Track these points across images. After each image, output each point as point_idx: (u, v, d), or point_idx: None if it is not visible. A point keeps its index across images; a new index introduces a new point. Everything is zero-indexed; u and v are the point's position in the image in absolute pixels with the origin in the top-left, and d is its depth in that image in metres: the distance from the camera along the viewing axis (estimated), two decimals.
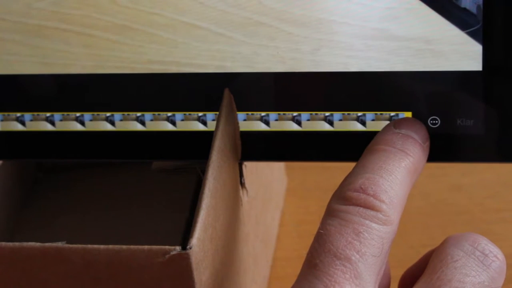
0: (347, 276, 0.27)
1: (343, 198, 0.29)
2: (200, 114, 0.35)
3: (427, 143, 0.32)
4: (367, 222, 0.28)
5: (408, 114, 0.34)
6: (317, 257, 0.28)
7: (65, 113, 0.36)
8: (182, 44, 0.34)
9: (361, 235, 0.28)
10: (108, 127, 0.36)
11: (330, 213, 0.29)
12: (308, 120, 0.34)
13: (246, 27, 0.34)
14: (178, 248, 0.28)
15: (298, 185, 0.54)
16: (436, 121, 0.33)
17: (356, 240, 0.28)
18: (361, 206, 0.29)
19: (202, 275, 0.29)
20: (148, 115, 0.36)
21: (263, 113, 0.35)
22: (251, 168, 0.39)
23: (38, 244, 0.29)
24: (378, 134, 0.32)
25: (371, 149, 0.31)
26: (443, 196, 0.53)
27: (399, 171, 0.30)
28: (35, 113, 0.37)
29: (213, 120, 0.35)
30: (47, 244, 0.29)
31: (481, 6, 0.32)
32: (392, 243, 0.29)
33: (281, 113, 0.35)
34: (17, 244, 0.30)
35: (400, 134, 0.31)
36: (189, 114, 0.35)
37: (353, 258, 0.27)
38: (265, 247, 0.45)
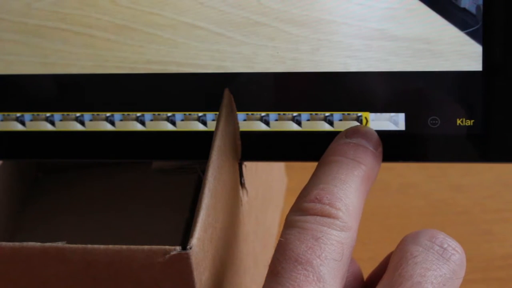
0: (309, 279, 0.28)
1: (300, 210, 0.30)
2: (200, 114, 0.35)
3: (380, 149, 0.33)
4: (325, 228, 0.29)
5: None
6: (279, 265, 0.28)
7: (65, 113, 0.36)
8: (181, 44, 0.34)
9: (320, 240, 0.28)
10: (108, 127, 0.36)
11: (288, 225, 0.30)
12: (308, 120, 0.34)
13: (246, 27, 0.34)
14: (178, 248, 0.28)
15: (298, 185, 0.54)
16: (436, 121, 0.33)
17: (316, 245, 0.28)
18: (318, 215, 0.29)
19: (202, 275, 0.29)
20: (148, 115, 0.36)
21: (263, 113, 0.35)
22: (251, 168, 0.39)
23: (38, 244, 0.29)
24: (330, 145, 0.32)
25: (324, 161, 0.32)
26: (443, 196, 0.53)
27: (353, 180, 0.30)
28: (35, 113, 0.37)
29: (213, 120, 0.35)
30: (47, 244, 0.29)
31: (481, 6, 0.32)
32: (353, 250, 0.30)
33: (281, 113, 0.35)
34: (17, 244, 0.30)
35: (352, 144, 0.32)
36: (189, 114, 0.35)
37: (314, 262, 0.28)
38: (265, 247, 0.45)
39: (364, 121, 0.34)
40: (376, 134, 0.33)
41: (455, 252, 0.29)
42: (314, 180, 0.31)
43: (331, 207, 0.29)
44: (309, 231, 0.29)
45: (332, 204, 0.29)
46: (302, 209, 0.30)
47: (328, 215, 0.29)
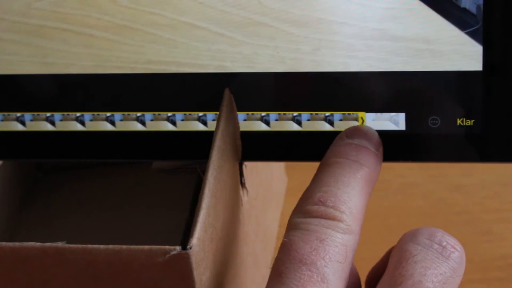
0: (313, 280, 0.28)
1: (303, 212, 0.30)
2: (200, 114, 0.35)
3: (381, 149, 0.33)
4: (329, 231, 0.29)
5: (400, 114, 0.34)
6: (283, 265, 0.28)
7: (65, 113, 0.36)
8: (182, 44, 0.34)
9: (325, 242, 0.28)
10: (108, 127, 0.36)
11: (291, 227, 0.30)
12: (308, 120, 0.34)
13: (246, 27, 0.34)
14: (178, 248, 0.28)
15: (298, 185, 0.54)
16: (436, 121, 0.33)
17: (320, 247, 0.28)
18: (322, 217, 0.29)
19: (202, 275, 0.29)
20: (148, 115, 0.36)
21: (263, 113, 0.35)
22: (251, 168, 0.39)
23: (38, 244, 0.29)
24: (331, 146, 0.32)
25: (325, 162, 0.32)
26: (443, 196, 0.53)
27: (356, 182, 0.30)
28: (35, 113, 0.37)
29: (213, 120, 0.35)
30: (47, 244, 0.29)
31: (481, 6, 0.32)
32: (355, 252, 0.30)
33: (281, 113, 0.35)
34: (17, 244, 0.30)
35: (353, 145, 0.32)
36: (189, 114, 0.35)
37: (318, 263, 0.28)
38: (265, 247, 0.45)
39: (360, 121, 0.34)
40: (376, 134, 0.33)
41: (454, 250, 0.29)
42: (316, 182, 0.31)
43: (335, 209, 0.29)
44: (314, 233, 0.29)
45: (336, 207, 0.29)
46: (306, 211, 0.30)
47: (332, 218, 0.29)
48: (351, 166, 0.31)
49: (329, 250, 0.28)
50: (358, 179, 0.30)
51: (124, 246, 0.29)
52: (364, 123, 0.34)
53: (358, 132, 0.32)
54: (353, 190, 0.30)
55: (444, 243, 0.29)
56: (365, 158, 0.31)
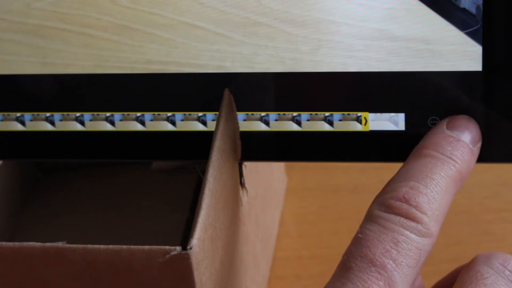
0: (381, 283, 0.27)
1: (384, 205, 0.29)
2: (200, 114, 0.35)
3: (478, 145, 0.32)
4: (407, 232, 0.28)
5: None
6: (353, 261, 0.28)
7: (65, 113, 0.36)
8: (181, 44, 0.34)
9: (399, 244, 0.28)
10: (108, 127, 0.36)
11: (370, 218, 0.29)
12: (308, 120, 0.35)
13: (246, 27, 0.34)
14: (178, 248, 0.28)
15: (298, 185, 0.54)
16: (436, 121, 0.33)
17: (394, 249, 0.28)
18: (402, 216, 0.29)
19: (202, 275, 0.30)
20: (148, 115, 0.36)
21: (263, 113, 0.35)
22: (251, 168, 0.39)
23: (38, 244, 0.29)
24: (428, 135, 0.32)
25: (418, 153, 0.31)
26: None
27: (445, 182, 0.30)
28: (35, 113, 0.37)
29: (213, 120, 0.35)
30: (47, 244, 0.29)
31: (481, 7, 0.32)
32: (428, 254, 0.29)
33: (281, 113, 0.35)
34: (17, 244, 0.30)
35: (452, 138, 0.31)
36: (189, 114, 0.35)
37: (388, 266, 0.28)
38: (265, 247, 0.45)
39: (363, 121, 0.34)
40: (477, 126, 0.32)
41: None
42: (404, 173, 0.30)
43: (417, 210, 0.29)
44: (390, 232, 0.28)
45: (419, 207, 0.29)
46: (387, 205, 0.29)
47: (413, 219, 0.29)
48: (443, 163, 0.30)
49: (402, 253, 0.28)
50: (448, 178, 0.30)
51: (124, 246, 0.29)
52: (367, 123, 0.34)
53: (459, 123, 0.32)
54: (440, 190, 0.30)
55: None
56: (460, 155, 0.31)
